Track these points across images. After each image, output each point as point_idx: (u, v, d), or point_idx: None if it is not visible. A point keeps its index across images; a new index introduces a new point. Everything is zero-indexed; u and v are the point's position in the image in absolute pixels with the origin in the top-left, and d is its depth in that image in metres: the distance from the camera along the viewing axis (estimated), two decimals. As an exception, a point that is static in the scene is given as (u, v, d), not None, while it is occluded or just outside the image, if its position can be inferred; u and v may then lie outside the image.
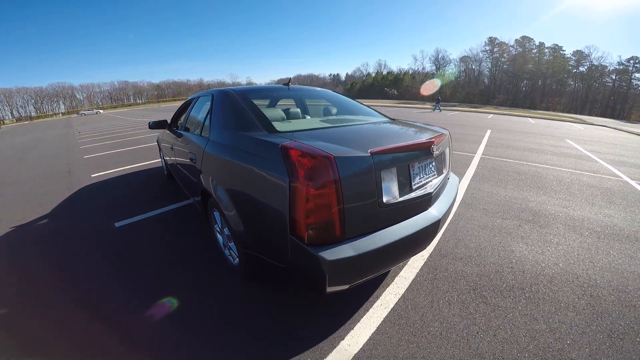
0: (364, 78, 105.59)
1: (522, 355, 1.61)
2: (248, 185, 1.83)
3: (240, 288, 2.20)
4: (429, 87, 76.50)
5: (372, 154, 1.60)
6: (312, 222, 1.47)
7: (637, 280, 2.27)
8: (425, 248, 1.97)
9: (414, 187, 1.84)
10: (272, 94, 3.12)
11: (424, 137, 1.97)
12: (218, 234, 2.52)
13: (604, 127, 20.38)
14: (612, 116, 56.27)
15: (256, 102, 2.45)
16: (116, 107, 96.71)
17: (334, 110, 2.94)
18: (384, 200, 1.66)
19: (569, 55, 71.52)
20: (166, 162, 4.66)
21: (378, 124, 2.47)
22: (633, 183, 4.99)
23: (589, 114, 55.54)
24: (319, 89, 3.46)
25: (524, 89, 75.99)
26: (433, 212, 1.91)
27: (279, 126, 2.08)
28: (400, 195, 1.74)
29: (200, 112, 2.98)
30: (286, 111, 2.79)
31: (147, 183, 5.01)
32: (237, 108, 2.28)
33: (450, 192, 2.28)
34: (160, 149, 5.11)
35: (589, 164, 6.39)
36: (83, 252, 2.82)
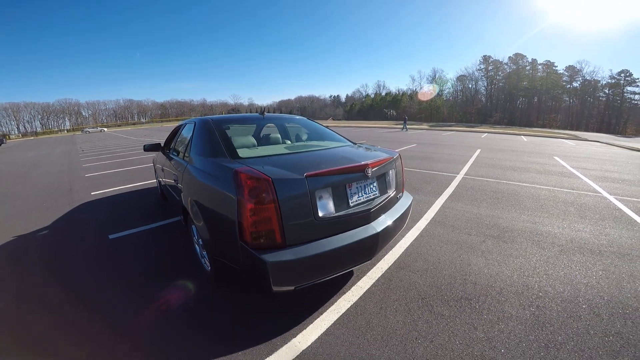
0: (363, 99, 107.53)
1: (455, 361, 1.71)
2: (211, 201, 2.20)
3: (212, 292, 2.46)
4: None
5: (307, 176, 1.92)
6: (255, 230, 1.79)
7: (589, 291, 2.35)
8: (369, 258, 2.18)
9: (351, 204, 2.10)
10: (247, 122, 3.48)
11: (360, 161, 2.20)
12: (196, 245, 2.81)
13: (597, 143, 20.58)
14: (608, 131, 56.69)
15: (231, 129, 2.85)
16: (120, 125, 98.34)
17: (304, 137, 3.31)
18: (320, 214, 1.95)
19: (561, 71, 72.95)
20: (160, 182, 4.96)
21: (334, 149, 2.76)
22: (611, 198, 5.11)
23: (586, 130, 56.08)
24: (293, 116, 3.81)
25: (520, 106, 77.05)
26: (373, 226, 2.14)
27: (243, 153, 2.45)
28: (337, 210, 2.02)
29: (185, 138, 3.31)
30: (264, 137, 3.21)
31: (142, 201, 5.26)
32: (211, 137, 2.66)
33: (397, 209, 2.50)
34: (155, 170, 5.40)
35: (571, 181, 6.50)
36: (78, 259, 3.14)
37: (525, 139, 21.37)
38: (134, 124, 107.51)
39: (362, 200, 2.19)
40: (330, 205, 2.00)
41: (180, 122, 4.16)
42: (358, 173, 2.14)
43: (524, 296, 2.30)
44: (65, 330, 2.06)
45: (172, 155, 3.55)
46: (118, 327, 2.08)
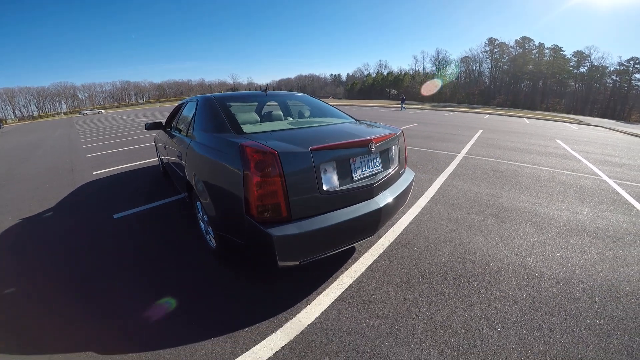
0: (364, 78, 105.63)
1: (453, 338, 1.76)
2: (217, 176, 2.21)
3: (216, 269, 2.50)
4: (430, 87, 76.82)
5: (312, 150, 1.92)
6: (261, 204, 1.81)
7: (584, 273, 2.38)
8: (372, 233, 2.21)
9: (355, 179, 2.12)
10: (250, 99, 3.41)
11: (364, 136, 2.20)
12: (201, 222, 2.83)
13: (600, 128, 20.47)
14: (612, 117, 56.10)
15: (234, 106, 2.81)
16: (118, 107, 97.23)
17: (307, 113, 3.27)
18: (325, 188, 1.96)
19: (569, 56, 71.37)
20: (162, 161, 4.98)
21: (337, 124, 2.74)
22: (610, 181, 5.11)
23: (590, 115, 55.40)
24: (294, 93, 3.77)
25: (524, 89, 75.90)
26: (376, 201, 2.17)
27: (247, 128, 2.42)
28: (341, 184, 2.04)
29: (187, 115, 3.29)
30: (267, 114, 3.19)
31: (144, 180, 5.29)
32: (214, 113, 2.64)
33: (399, 185, 2.52)
34: (156, 148, 5.42)
35: (571, 163, 6.50)
36: (84, 239, 3.17)
37: (528, 122, 21.20)
38: (131, 105, 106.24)
39: (366, 174, 2.20)
40: (335, 179, 2.02)
41: (181, 101, 4.11)
42: (362, 148, 2.15)
43: (521, 276, 2.34)
44: (69, 315, 2.06)
45: (174, 133, 3.55)
46: (123, 305, 2.12)
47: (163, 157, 4.56)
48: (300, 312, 1.98)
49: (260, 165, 1.80)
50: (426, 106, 41.56)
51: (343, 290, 2.19)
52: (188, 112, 3.27)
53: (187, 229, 3.24)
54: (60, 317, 2.03)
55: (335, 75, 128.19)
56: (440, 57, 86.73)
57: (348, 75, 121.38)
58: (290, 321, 1.90)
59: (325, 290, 2.19)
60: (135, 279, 2.43)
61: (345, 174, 2.08)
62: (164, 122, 4.25)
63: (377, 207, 2.12)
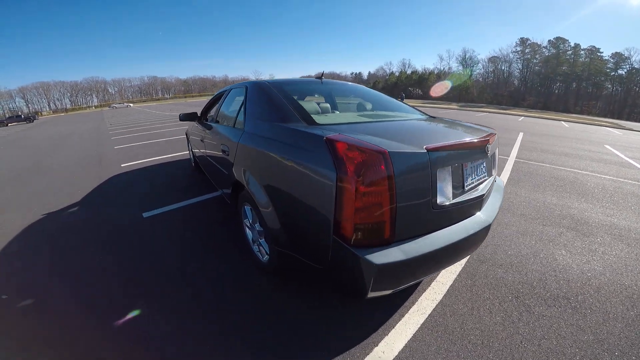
0: (387, 77, 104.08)
1: (570, 367, 1.52)
2: (287, 179, 1.71)
3: (269, 287, 2.12)
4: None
5: (428, 150, 1.47)
6: (359, 222, 1.34)
7: None
8: (470, 254, 1.92)
9: (466, 189, 1.72)
10: (305, 86, 3.03)
11: (478, 136, 1.82)
12: (247, 229, 2.42)
13: (645, 133, 19.10)
14: (653, 121, 52.71)
15: (293, 92, 2.40)
16: (145, 101, 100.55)
17: (369, 106, 2.86)
18: (438, 201, 1.52)
19: (607, 58, 67.55)
20: (194, 155, 4.75)
21: (421, 120, 2.36)
22: (682, 193, 4.62)
23: (628, 119, 52.13)
24: (352, 83, 3.43)
25: (556, 91, 72.52)
26: (482, 216, 1.80)
27: (317, 119, 1.97)
28: (454, 196, 1.62)
29: (232, 104, 2.98)
30: (327, 104, 2.72)
31: (174, 174, 5.14)
32: (273, 99, 2.19)
33: (497, 195, 2.18)
34: (188, 141, 5.23)
35: (632, 172, 5.98)
36: (111, 242, 2.85)
37: (567, 125, 20.12)
38: (158, 99, 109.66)
39: (475, 183, 1.81)
40: (449, 190, 1.58)
41: (221, 89, 3.78)
42: (479, 149, 1.75)
43: (624, 296, 2.07)
44: (88, 322, 1.85)
45: (213, 125, 3.21)
46: (150, 327, 1.79)
47: (197, 151, 4.23)
48: (377, 344, 1.63)
49: (362, 169, 1.31)
50: (454, 106, 40.36)
51: (426, 316, 1.85)
52: (233, 101, 2.95)
53: (228, 234, 2.89)
54: (73, 328, 1.81)
55: (356, 74, 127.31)
56: (467, 56, 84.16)
57: (370, 73, 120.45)
58: (367, 357, 1.56)
59: (404, 316, 1.84)
60: (169, 295, 2.07)
61: (458, 182, 1.65)
62: (199, 113, 4.00)
63: (487, 223, 1.74)
